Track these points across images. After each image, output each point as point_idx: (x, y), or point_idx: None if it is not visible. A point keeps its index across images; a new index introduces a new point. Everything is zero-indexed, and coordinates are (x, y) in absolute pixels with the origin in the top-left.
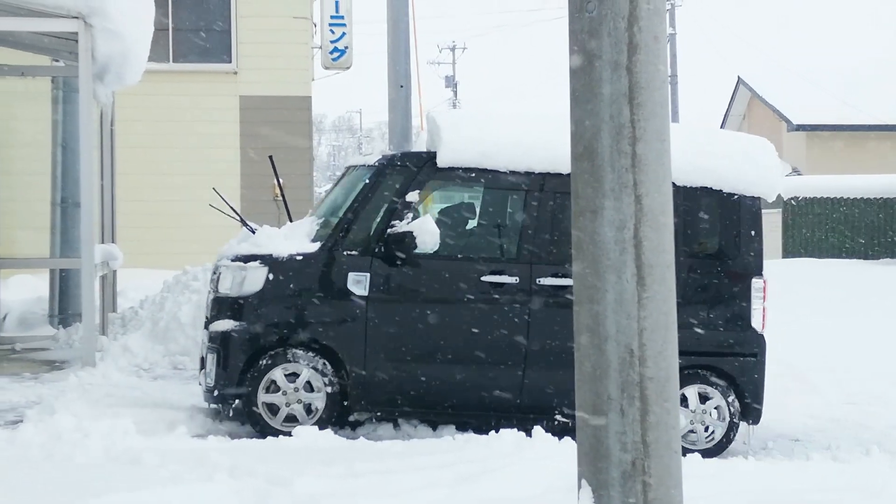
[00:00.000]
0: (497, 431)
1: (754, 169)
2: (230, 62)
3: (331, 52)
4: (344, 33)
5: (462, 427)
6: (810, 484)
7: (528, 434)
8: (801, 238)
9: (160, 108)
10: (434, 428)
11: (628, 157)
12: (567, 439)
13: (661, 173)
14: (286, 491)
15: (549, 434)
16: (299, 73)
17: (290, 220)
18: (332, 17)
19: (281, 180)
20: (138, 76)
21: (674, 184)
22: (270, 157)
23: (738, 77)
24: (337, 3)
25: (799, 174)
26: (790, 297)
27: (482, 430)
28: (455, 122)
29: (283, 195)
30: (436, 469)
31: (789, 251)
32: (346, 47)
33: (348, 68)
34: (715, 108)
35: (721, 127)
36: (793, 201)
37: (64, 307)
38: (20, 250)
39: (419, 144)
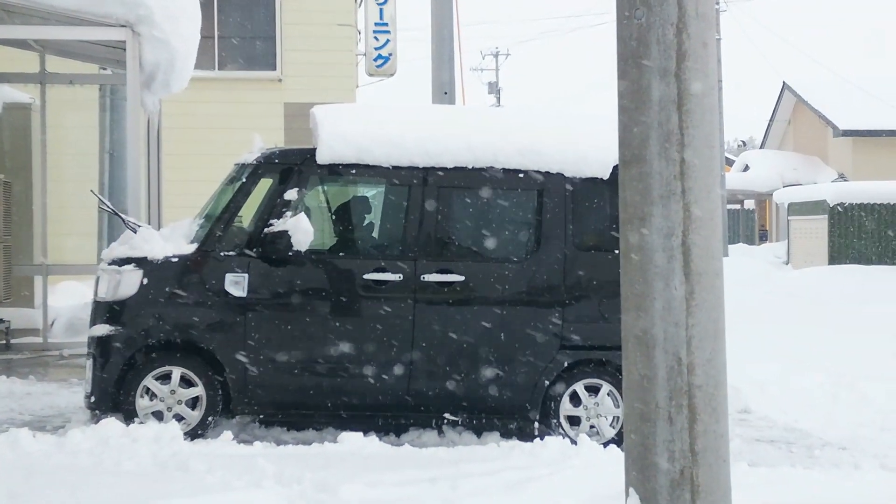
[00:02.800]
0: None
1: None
2: (275, 69)
3: (375, 59)
4: (388, 40)
5: (506, 434)
6: (859, 493)
7: (574, 442)
8: (847, 245)
9: (206, 115)
10: (479, 435)
11: (676, 164)
12: (612, 447)
13: (709, 180)
14: (334, 498)
15: (594, 441)
16: (343, 80)
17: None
18: (376, 23)
19: None
20: (185, 84)
21: (565, 175)
22: None
23: (784, 82)
24: (381, 10)
25: (845, 180)
26: (837, 306)
27: (526, 437)
28: (334, 117)
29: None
30: (482, 477)
31: (835, 258)
32: (391, 54)
33: (392, 75)
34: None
35: (766, 133)
36: (839, 207)
37: None
38: (68, 257)
39: None
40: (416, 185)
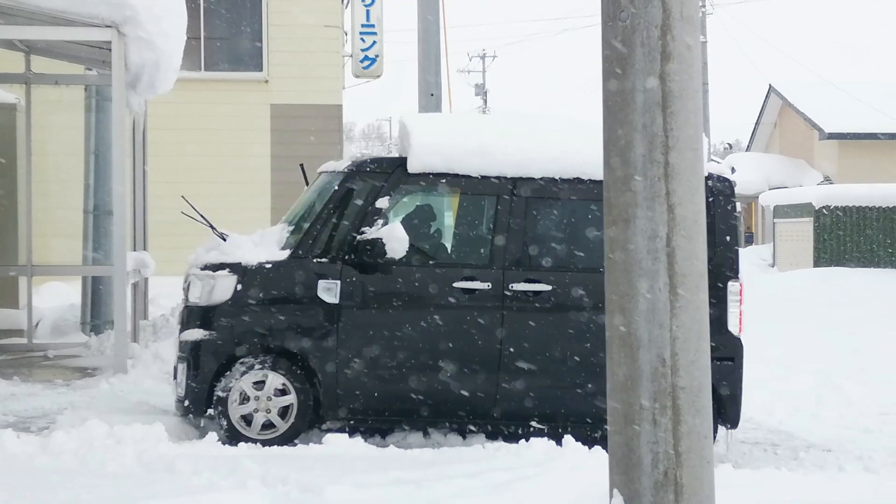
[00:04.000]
0: (529, 441)
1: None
2: (261, 71)
3: (361, 61)
4: (375, 42)
5: (492, 436)
6: (844, 495)
7: (559, 443)
8: (832, 247)
9: (191, 116)
10: (464, 436)
11: (661, 166)
12: (597, 449)
13: (693, 182)
14: (319, 499)
15: (580, 443)
16: (330, 81)
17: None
18: (362, 25)
19: None
20: (170, 85)
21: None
22: (301, 166)
23: (770, 85)
24: (368, 11)
25: (831, 182)
26: (823, 308)
27: (513, 438)
28: (425, 126)
29: None
30: (467, 478)
31: (821, 261)
32: (377, 56)
33: (379, 76)
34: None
35: (752, 135)
36: (824, 210)
37: (96, 314)
38: (53, 258)
39: None
40: (505, 194)
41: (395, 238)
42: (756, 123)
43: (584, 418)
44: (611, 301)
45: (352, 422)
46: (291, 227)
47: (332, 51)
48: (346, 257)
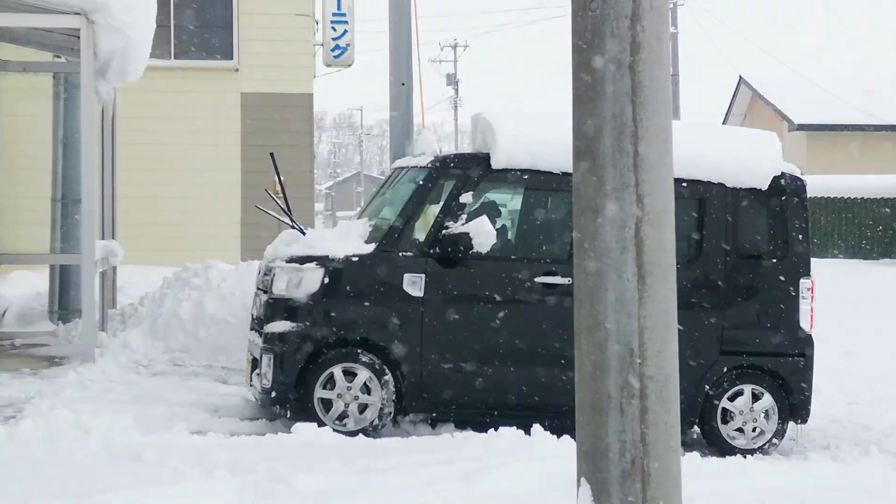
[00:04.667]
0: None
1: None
2: (232, 59)
3: (332, 50)
4: (346, 31)
5: (461, 425)
6: (809, 483)
7: (528, 432)
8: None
9: (161, 104)
10: (433, 426)
11: (630, 156)
12: (566, 437)
13: (663, 173)
14: (287, 488)
15: (549, 432)
16: (301, 70)
17: (291, 217)
18: (333, 14)
19: (282, 177)
20: (140, 73)
21: (724, 185)
22: (271, 155)
23: (740, 76)
24: (339, 0)
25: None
26: None
27: (484, 428)
28: (508, 123)
29: (283, 192)
30: (435, 466)
31: None
32: (348, 45)
33: (350, 65)
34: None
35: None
36: None
37: (64, 303)
38: (20, 246)
39: (420, 142)
40: None
41: (482, 232)
42: (726, 115)
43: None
44: (579, 290)
45: (434, 413)
46: (374, 222)
47: (303, 39)
48: (432, 251)
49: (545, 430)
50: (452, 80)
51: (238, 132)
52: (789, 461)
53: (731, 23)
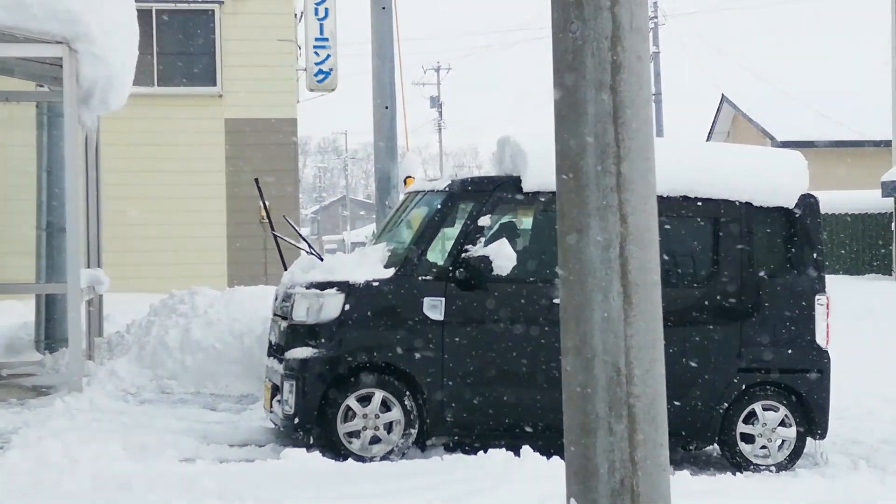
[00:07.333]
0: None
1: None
2: (215, 85)
3: (315, 75)
4: (329, 55)
5: (451, 448)
6: (798, 500)
7: (517, 454)
8: None
9: (145, 132)
10: (423, 449)
11: (613, 176)
12: (555, 458)
13: (645, 192)
14: None
15: (538, 454)
16: (284, 95)
17: (276, 242)
18: (316, 39)
19: (266, 203)
20: (123, 100)
21: (750, 203)
22: (256, 180)
23: (722, 94)
24: (321, 25)
25: None
26: None
27: (473, 450)
28: (539, 146)
29: (268, 217)
30: (426, 490)
31: None
32: (331, 69)
33: (333, 90)
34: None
35: None
36: None
37: (50, 332)
38: (6, 275)
39: (405, 165)
40: None
41: (502, 255)
42: (709, 133)
43: (694, 428)
44: (565, 311)
45: (456, 437)
46: (393, 246)
47: (286, 65)
48: (451, 274)
49: (534, 451)
50: (436, 102)
51: (222, 158)
52: (779, 478)
53: (714, 41)
